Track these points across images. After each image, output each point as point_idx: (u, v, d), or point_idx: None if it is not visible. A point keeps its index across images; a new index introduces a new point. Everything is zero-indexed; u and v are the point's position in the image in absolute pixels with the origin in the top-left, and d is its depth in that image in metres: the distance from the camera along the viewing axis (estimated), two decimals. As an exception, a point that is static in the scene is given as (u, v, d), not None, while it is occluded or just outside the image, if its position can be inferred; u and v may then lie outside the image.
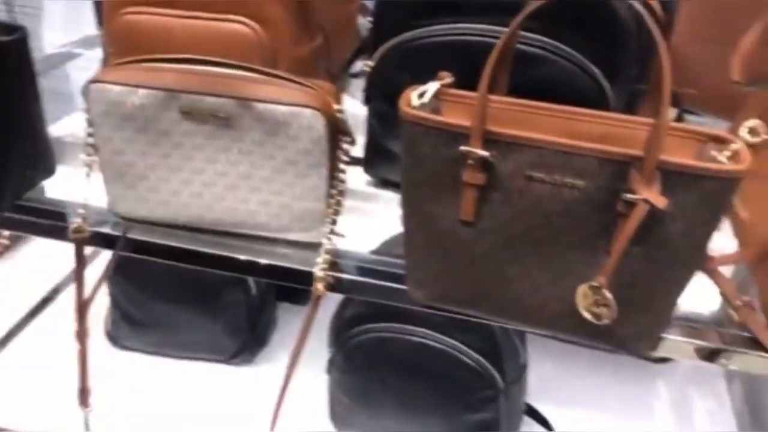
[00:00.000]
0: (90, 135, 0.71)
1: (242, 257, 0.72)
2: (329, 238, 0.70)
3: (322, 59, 0.83)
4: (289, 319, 1.23)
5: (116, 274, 1.10)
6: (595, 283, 0.57)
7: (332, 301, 1.22)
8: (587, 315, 0.58)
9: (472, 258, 0.61)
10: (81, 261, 0.76)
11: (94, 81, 0.67)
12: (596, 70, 0.62)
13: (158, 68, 0.67)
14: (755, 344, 0.64)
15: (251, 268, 0.72)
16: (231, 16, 0.75)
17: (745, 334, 0.65)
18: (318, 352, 1.15)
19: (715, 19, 0.88)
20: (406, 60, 0.65)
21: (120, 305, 1.11)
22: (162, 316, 1.10)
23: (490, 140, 0.56)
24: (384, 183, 0.77)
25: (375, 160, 0.75)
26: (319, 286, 0.70)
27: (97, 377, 1.11)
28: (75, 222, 0.74)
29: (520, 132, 0.55)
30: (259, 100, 0.65)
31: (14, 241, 1.39)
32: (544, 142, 0.54)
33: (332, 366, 0.97)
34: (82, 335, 0.82)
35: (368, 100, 0.69)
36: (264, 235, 0.74)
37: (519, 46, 0.62)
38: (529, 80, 0.62)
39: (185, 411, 1.07)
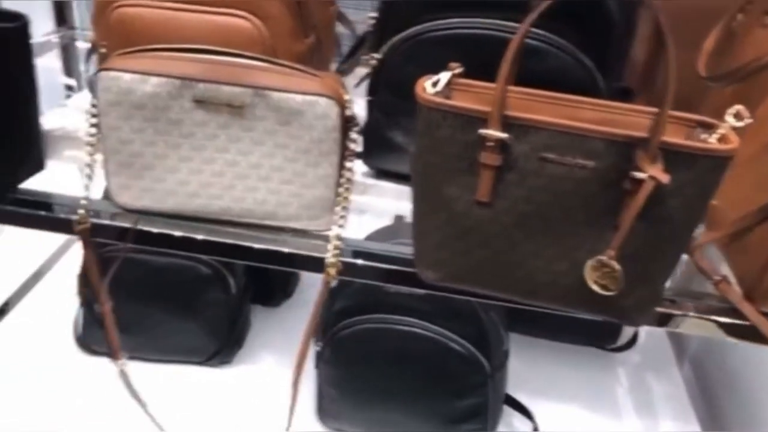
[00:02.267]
0: (93, 125, 0.71)
1: (258, 246, 0.73)
2: (340, 225, 0.72)
3: (314, 57, 0.85)
4: (261, 322, 1.23)
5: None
6: (603, 257, 0.61)
7: (306, 303, 1.25)
8: (595, 287, 0.63)
9: (486, 237, 0.64)
10: (89, 253, 0.75)
11: (103, 69, 0.67)
12: (590, 63, 0.67)
13: (171, 57, 0.68)
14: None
15: (264, 256, 0.73)
16: (232, 11, 0.77)
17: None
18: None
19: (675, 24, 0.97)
20: (415, 53, 0.69)
21: (93, 307, 1.08)
22: (137, 318, 1.08)
23: (506, 124, 0.60)
24: (381, 173, 0.80)
25: (374, 151, 0.77)
26: (331, 272, 0.71)
27: (67, 385, 1.08)
28: (78, 214, 0.72)
29: (536, 116, 0.59)
30: (275, 89, 0.67)
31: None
32: (558, 125, 0.59)
33: (320, 360, 0.98)
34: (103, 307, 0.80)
35: (373, 92, 0.72)
36: (269, 224, 0.75)
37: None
38: (528, 71, 0.66)
39: (164, 415, 1.05)
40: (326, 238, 0.75)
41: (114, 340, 0.84)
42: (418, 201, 0.67)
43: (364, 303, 0.93)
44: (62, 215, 0.73)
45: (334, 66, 0.95)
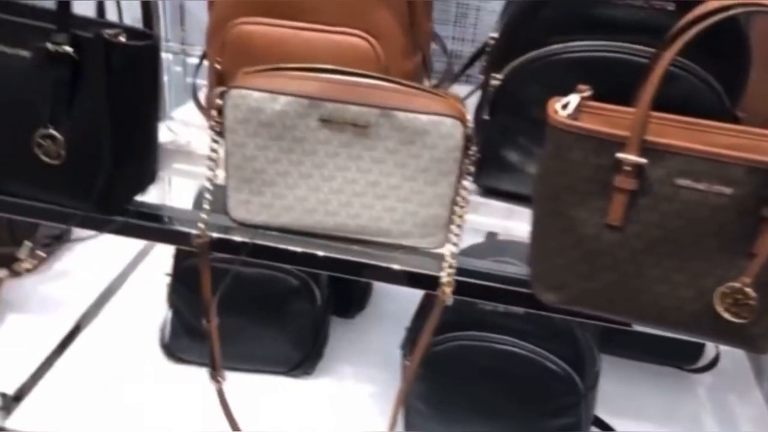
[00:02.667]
0: (215, 141, 0.72)
1: (373, 262, 0.74)
2: (455, 244, 0.72)
3: (420, 74, 0.86)
4: (338, 333, 1.24)
5: (179, 284, 1.10)
6: (736, 284, 0.61)
7: (380, 315, 1.25)
8: (727, 315, 0.62)
9: (614, 261, 0.64)
10: (205, 268, 0.77)
11: (234, 87, 0.68)
12: (719, 88, 0.67)
13: (299, 76, 0.69)
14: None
15: (378, 272, 0.74)
16: (348, 29, 0.78)
17: None
18: (379, 361, 1.18)
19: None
20: (540, 74, 0.69)
21: (182, 316, 1.11)
22: (226, 328, 1.09)
23: (643, 148, 0.59)
24: (490, 192, 0.80)
25: (487, 170, 0.77)
26: (447, 291, 0.72)
27: (152, 393, 1.10)
28: (197, 228, 0.74)
29: (674, 141, 0.59)
30: (402, 110, 0.68)
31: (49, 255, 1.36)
32: (697, 151, 0.59)
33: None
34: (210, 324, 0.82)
35: (491, 111, 0.72)
36: (381, 241, 0.76)
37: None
38: (660, 94, 0.66)
39: (246, 424, 1.07)
40: (434, 255, 0.76)
41: (217, 357, 0.85)
42: (542, 222, 0.67)
43: (458, 320, 0.93)
44: (182, 228, 0.75)
45: (426, 83, 0.95)
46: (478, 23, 1.24)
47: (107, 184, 0.71)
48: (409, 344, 1.00)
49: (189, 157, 0.85)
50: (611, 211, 0.62)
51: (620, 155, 0.60)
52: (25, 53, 0.69)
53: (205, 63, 0.88)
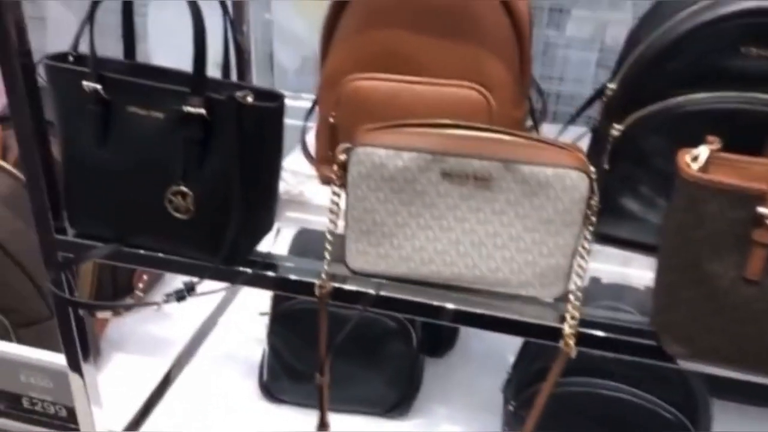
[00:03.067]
0: (336, 194, 0.74)
1: (494, 314, 0.74)
2: (578, 295, 0.72)
3: (526, 122, 0.87)
4: (429, 373, 1.24)
5: (278, 325, 1.12)
6: None
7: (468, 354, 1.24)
8: None
9: (750, 315, 0.63)
10: (324, 318, 0.78)
11: (359, 144, 0.70)
12: None
13: (421, 132, 0.71)
14: None
15: (498, 323, 0.74)
16: (462, 82, 0.79)
17: None
18: (473, 402, 1.17)
19: None
20: (665, 126, 0.69)
21: (281, 357, 1.13)
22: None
23: (783, 202, 0.58)
24: (606, 239, 0.79)
25: (604, 219, 0.77)
26: (570, 342, 0.71)
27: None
28: (320, 279, 0.76)
29: (818, 195, 0.58)
30: (525, 162, 0.68)
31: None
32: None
33: (514, 419, 0.98)
34: (323, 378, 0.84)
35: (612, 161, 0.72)
36: (498, 291, 0.76)
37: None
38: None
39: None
40: (549, 304, 0.76)
41: (325, 409, 0.86)
42: (671, 273, 0.66)
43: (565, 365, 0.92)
44: (306, 279, 0.77)
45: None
46: (566, 62, 1.25)
47: (234, 237, 0.74)
48: (511, 388, 1.00)
49: (302, 207, 0.87)
50: (750, 264, 0.61)
51: (761, 209, 0.59)
52: (158, 114, 0.73)
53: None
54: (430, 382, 1.22)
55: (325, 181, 0.92)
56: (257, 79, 1.38)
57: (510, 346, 1.34)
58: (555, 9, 1.23)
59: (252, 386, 1.21)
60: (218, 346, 1.32)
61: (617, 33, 1.31)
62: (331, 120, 0.84)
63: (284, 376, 1.14)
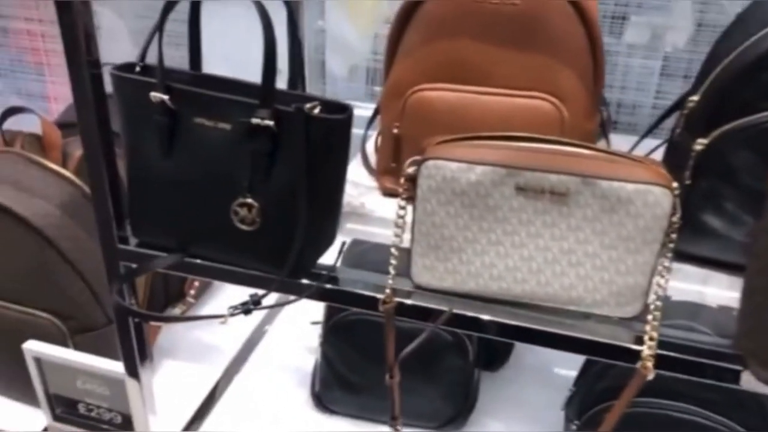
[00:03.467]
0: (402, 207, 0.72)
1: (568, 333, 0.71)
2: (656, 316, 0.69)
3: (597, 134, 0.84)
4: (483, 387, 1.21)
5: (333, 335, 1.11)
6: None
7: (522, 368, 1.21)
8: None
9: None
10: (391, 331, 0.77)
11: (430, 158, 0.68)
12: None
13: (494, 146, 0.69)
14: None
15: (574, 344, 0.72)
16: (533, 93, 0.77)
17: None
18: (528, 417, 1.14)
19: None
20: (755, 141, 0.65)
21: (334, 368, 1.11)
22: (380, 381, 1.09)
23: None
24: (684, 257, 0.76)
25: (684, 235, 0.74)
26: (649, 365, 0.68)
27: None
28: (384, 293, 0.74)
29: None
30: (605, 178, 0.65)
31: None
32: None
33: (577, 439, 0.95)
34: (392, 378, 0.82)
35: (694, 176, 0.69)
36: (571, 309, 0.73)
37: None
38: None
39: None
40: (625, 324, 0.73)
41: (397, 409, 0.84)
42: (759, 295, 0.63)
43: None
44: (370, 294, 0.75)
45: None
46: (628, 70, 1.21)
47: (300, 249, 0.73)
48: (574, 407, 0.97)
49: (363, 219, 0.86)
50: None
51: None
52: (225, 126, 0.72)
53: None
54: (485, 396, 1.19)
55: (387, 192, 0.91)
56: (309, 87, 1.37)
57: (564, 360, 1.31)
58: (617, 16, 1.19)
59: (303, 396, 1.20)
60: (268, 355, 1.31)
61: (676, 40, 1.27)
62: (395, 131, 0.82)
63: (337, 387, 1.13)
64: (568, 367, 1.30)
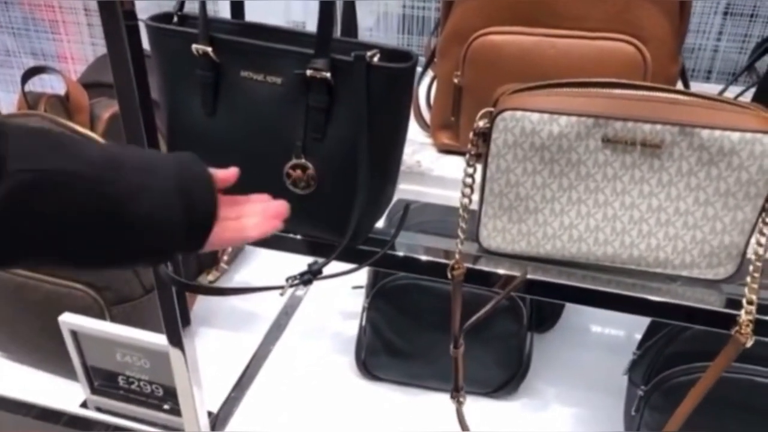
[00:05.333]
0: (470, 165, 0.66)
1: (655, 298, 0.66)
2: (755, 278, 0.63)
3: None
4: (535, 349, 1.17)
5: (379, 300, 1.06)
6: None
7: (570, 329, 1.15)
8: None
9: None
10: (458, 299, 0.71)
11: (507, 109, 0.62)
12: None
13: (579, 93, 0.62)
14: None
15: (662, 309, 0.66)
16: (613, 35, 0.69)
17: None
18: (582, 381, 1.10)
19: None
20: None
21: (381, 334, 1.07)
22: (429, 347, 1.05)
23: None
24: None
25: None
26: (746, 331, 0.63)
27: (351, 410, 1.08)
28: (453, 259, 0.69)
29: None
30: (706, 126, 0.59)
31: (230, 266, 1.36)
32: None
33: (645, 405, 0.90)
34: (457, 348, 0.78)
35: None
36: (656, 272, 0.67)
37: None
38: None
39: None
40: (714, 286, 0.67)
41: (461, 379, 0.80)
42: None
43: (705, 349, 0.84)
44: (440, 260, 0.69)
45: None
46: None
47: (359, 213, 0.67)
48: (640, 372, 0.92)
49: (419, 178, 0.80)
50: None
51: None
52: (276, 79, 0.66)
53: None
54: (536, 360, 1.14)
55: (443, 149, 0.84)
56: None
57: (612, 320, 1.26)
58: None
59: (346, 362, 1.16)
60: (308, 321, 1.27)
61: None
62: (456, 81, 0.75)
63: (383, 353, 1.08)
64: (617, 327, 1.26)
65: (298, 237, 0.73)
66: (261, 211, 0.62)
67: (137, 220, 0.52)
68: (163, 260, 0.56)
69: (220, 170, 0.61)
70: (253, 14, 0.73)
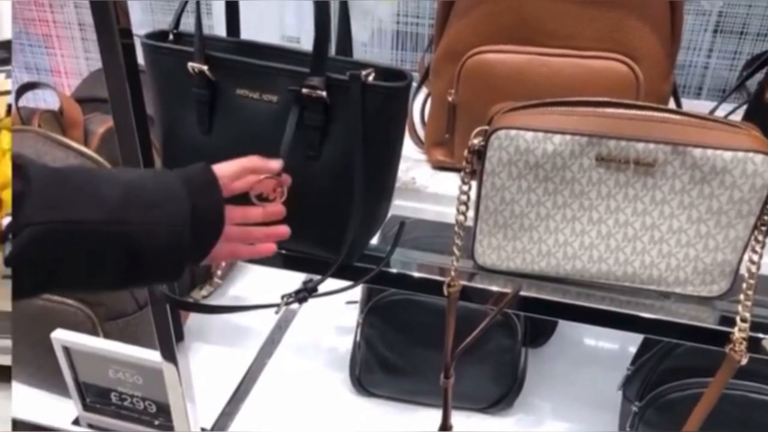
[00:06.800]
0: (465, 182, 0.66)
1: (649, 315, 0.66)
2: (748, 295, 0.63)
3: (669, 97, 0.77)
4: (530, 364, 1.17)
5: (373, 316, 1.06)
6: None
7: (564, 343, 1.15)
8: None
9: None
10: (452, 317, 0.71)
11: (501, 128, 0.62)
12: None
13: (572, 112, 0.62)
14: None
15: (656, 326, 0.66)
16: (604, 54, 0.70)
17: None
18: (576, 396, 1.09)
19: None
20: None
21: (376, 350, 1.07)
22: (423, 363, 1.05)
23: None
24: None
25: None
26: (740, 348, 0.63)
27: (343, 425, 1.07)
28: (449, 276, 0.69)
29: None
30: (698, 145, 0.59)
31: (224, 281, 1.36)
32: None
33: (639, 421, 0.90)
34: (447, 378, 0.78)
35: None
36: (650, 289, 0.68)
37: None
38: None
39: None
40: (707, 304, 0.68)
41: (449, 411, 0.80)
42: None
43: (698, 365, 0.84)
44: (435, 278, 0.70)
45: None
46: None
47: (354, 230, 0.67)
48: (634, 388, 0.92)
49: (414, 195, 0.80)
50: None
51: None
52: (271, 97, 0.66)
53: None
54: (531, 375, 1.14)
55: (437, 166, 0.85)
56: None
57: (605, 335, 1.26)
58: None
59: (340, 378, 1.15)
60: (301, 336, 1.27)
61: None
62: (450, 98, 0.76)
63: (378, 370, 1.08)
64: (611, 341, 1.26)
65: (292, 253, 0.73)
66: (263, 236, 0.63)
67: (154, 252, 0.55)
68: (177, 279, 0.58)
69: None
70: (247, 30, 0.73)
